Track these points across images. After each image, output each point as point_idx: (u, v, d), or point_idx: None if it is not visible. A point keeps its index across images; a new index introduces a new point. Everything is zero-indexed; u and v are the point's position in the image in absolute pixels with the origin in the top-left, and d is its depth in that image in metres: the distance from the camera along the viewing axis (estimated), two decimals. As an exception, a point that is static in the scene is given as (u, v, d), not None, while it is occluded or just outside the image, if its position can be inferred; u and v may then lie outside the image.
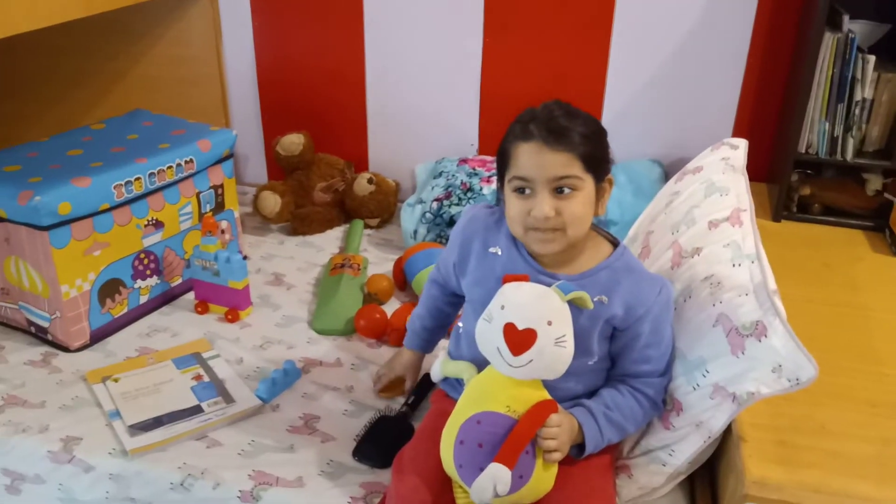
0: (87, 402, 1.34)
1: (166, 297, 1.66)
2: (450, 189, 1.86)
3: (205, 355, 1.46)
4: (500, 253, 1.08)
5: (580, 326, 0.99)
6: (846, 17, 1.60)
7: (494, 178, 1.84)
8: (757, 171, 1.73)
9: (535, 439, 0.96)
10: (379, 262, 1.84)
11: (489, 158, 1.97)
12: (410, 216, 1.87)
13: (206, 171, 1.67)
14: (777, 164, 1.81)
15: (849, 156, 1.65)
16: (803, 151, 1.68)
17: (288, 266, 1.82)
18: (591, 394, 1.07)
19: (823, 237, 1.66)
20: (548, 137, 0.97)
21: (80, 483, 1.23)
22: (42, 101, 2.23)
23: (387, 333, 1.52)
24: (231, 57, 2.11)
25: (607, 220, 1.75)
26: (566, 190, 0.98)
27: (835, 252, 1.59)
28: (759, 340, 0.96)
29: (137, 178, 1.51)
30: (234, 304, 1.60)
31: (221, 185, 1.72)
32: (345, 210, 2.04)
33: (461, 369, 1.08)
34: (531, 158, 0.98)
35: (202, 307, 1.62)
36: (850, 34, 1.57)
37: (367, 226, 2.02)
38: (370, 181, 1.99)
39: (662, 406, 1.08)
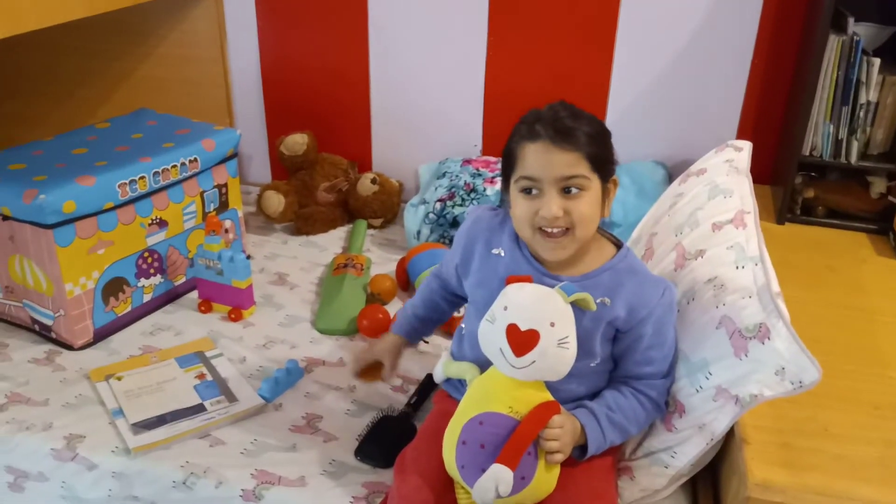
0: (91, 400, 1.35)
1: (170, 296, 1.66)
2: (453, 190, 1.86)
3: (208, 354, 1.46)
4: (503, 254, 1.08)
5: (583, 328, 0.99)
6: (851, 20, 1.60)
7: (498, 179, 1.84)
8: (761, 173, 1.73)
9: (537, 440, 0.96)
10: (382, 262, 1.84)
11: (493, 159, 1.97)
12: (414, 216, 1.87)
13: (210, 170, 1.68)
14: (781, 167, 1.81)
15: (853, 158, 1.65)
16: (807, 154, 1.67)
17: (291, 266, 1.82)
18: (594, 395, 1.07)
19: (827, 240, 1.66)
20: (555, 137, 0.97)
21: (83, 481, 1.23)
22: (47, 100, 2.24)
23: (389, 333, 1.52)
24: (235, 57, 2.12)
25: (611, 222, 1.75)
26: (573, 190, 0.99)
27: (838, 255, 1.59)
28: (763, 343, 0.96)
29: (142, 177, 1.51)
30: (237, 304, 1.60)
31: (225, 185, 1.73)
32: (348, 210, 2.05)
33: (464, 370, 1.08)
34: (538, 158, 0.98)
35: (205, 306, 1.63)
36: (854, 37, 1.57)
37: (370, 226, 2.02)
38: (374, 181, 1.99)
39: (665, 408, 1.08)
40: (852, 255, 1.59)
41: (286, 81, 2.13)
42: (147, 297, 1.60)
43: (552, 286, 0.97)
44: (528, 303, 0.95)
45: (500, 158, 1.05)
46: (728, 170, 1.31)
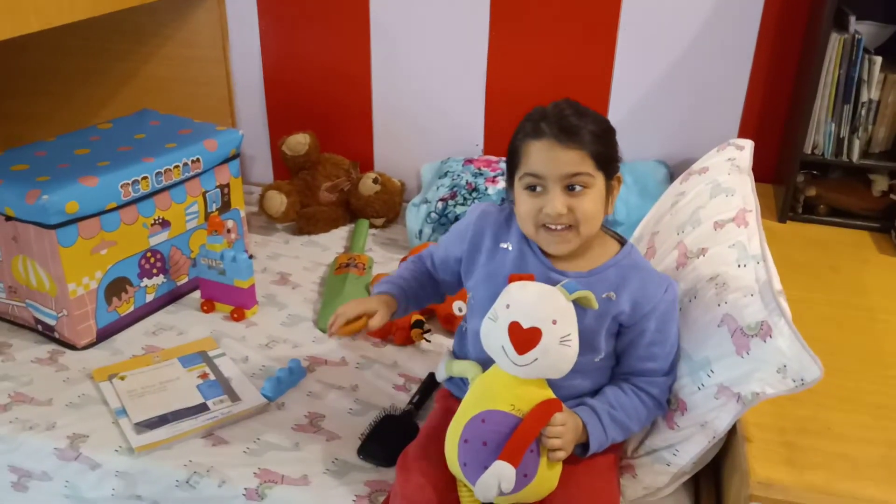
0: (94, 399, 1.35)
1: (172, 296, 1.66)
2: (455, 189, 1.86)
3: (211, 354, 1.47)
4: (510, 249, 1.08)
5: (587, 323, 1.00)
6: (853, 18, 1.60)
7: (500, 179, 1.84)
8: (763, 171, 1.73)
9: (539, 438, 0.96)
10: (384, 261, 1.84)
11: (494, 158, 1.97)
12: (416, 216, 1.87)
13: (213, 170, 1.68)
14: (783, 165, 1.81)
15: (855, 157, 1.65)
16: (809, 152, 1.67)
17: (293, 265, 1.83)
18: (597, 391, 1.07)
19: (829, 238, 1.65)
20: (560, 135, 0.97)
21: (87, 480, 1.23)
22: (50, 100, 2.25)
23: (392, 333, 1.52)
24: (238, 57, 2.12)
25: (613, 221, 1.75)
26: (578, 187, 0.99)
27: (840, 253, 1.58)
28: (764, 341, 0.96)
29: (144, 178, 1.52)
30: (239, 303, 1.60)
31: (228, 185, 1.73)
32: (350, 210, 2.05)
33: (466, 368, 1.08)
34: (543, 155, 0.99)
35: (208, 306, 1.63)
36: (856, 35, 1.57)
37: (372, 225, 2.02)
38: (375, 181, 1.99)
39: (667, 406, 1.08)
40: (854, 253, 1.59)
41: (288, 82, 2.13)
42: (150, 297, 1.61)
43: (559, 281, 0.98)
44: (530, 301, 0.96)
45: (503, 158, 1.06)
46: (730, 168, 1.31)
